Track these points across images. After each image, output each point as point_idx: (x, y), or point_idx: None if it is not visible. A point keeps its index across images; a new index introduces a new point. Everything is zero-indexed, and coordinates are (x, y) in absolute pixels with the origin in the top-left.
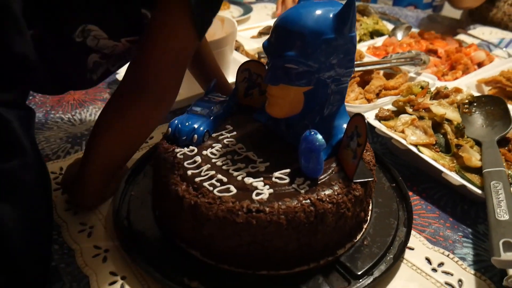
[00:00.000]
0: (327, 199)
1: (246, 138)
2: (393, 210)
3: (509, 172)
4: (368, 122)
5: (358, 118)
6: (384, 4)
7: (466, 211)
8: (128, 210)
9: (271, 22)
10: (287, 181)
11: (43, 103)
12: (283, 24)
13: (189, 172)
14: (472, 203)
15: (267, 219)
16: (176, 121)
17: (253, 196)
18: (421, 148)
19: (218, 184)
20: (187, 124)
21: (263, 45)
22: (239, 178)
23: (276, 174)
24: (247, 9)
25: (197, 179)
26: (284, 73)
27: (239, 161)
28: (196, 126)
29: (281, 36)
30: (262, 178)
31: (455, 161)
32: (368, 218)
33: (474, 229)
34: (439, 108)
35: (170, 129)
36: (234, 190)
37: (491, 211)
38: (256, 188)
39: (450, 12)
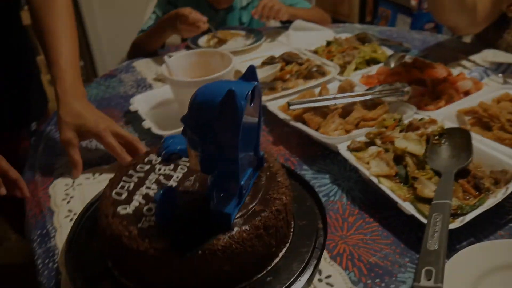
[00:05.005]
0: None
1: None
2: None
3: (460, 203)
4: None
5: None
6: (403, 22)
7: (421, 238)
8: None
9: (273, 52)
10: None
11: None
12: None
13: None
14: None
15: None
16: (172, 138)
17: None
18: (381, 179)
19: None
20: (172, 141)
21: None
22: None
23: None
24: (259, 37)
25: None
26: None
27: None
28: (178, 147)
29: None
30: None
31: (411, 192)
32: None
33: None
34: (402, 142)
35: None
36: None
37: (424, 241)
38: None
39: None
